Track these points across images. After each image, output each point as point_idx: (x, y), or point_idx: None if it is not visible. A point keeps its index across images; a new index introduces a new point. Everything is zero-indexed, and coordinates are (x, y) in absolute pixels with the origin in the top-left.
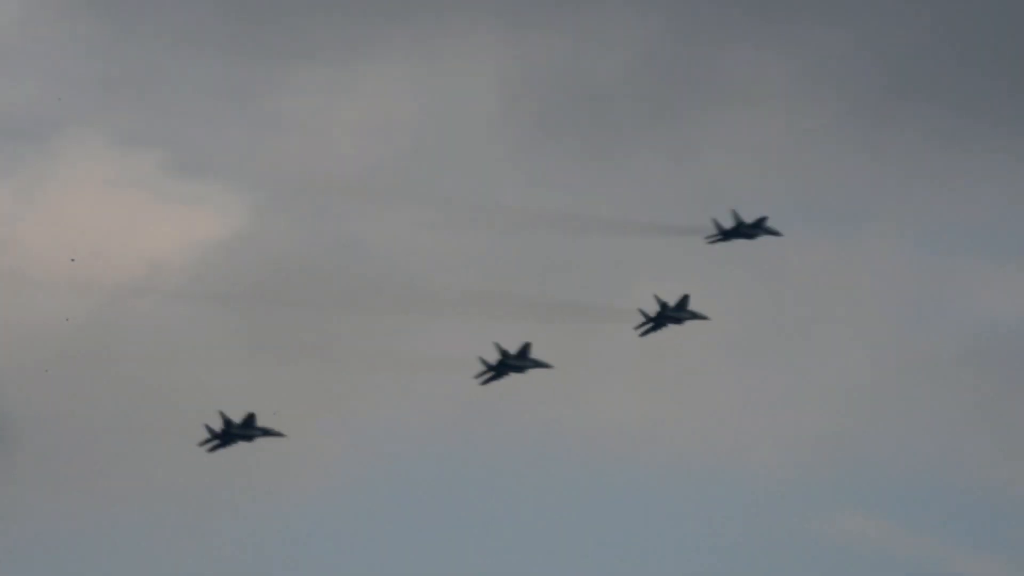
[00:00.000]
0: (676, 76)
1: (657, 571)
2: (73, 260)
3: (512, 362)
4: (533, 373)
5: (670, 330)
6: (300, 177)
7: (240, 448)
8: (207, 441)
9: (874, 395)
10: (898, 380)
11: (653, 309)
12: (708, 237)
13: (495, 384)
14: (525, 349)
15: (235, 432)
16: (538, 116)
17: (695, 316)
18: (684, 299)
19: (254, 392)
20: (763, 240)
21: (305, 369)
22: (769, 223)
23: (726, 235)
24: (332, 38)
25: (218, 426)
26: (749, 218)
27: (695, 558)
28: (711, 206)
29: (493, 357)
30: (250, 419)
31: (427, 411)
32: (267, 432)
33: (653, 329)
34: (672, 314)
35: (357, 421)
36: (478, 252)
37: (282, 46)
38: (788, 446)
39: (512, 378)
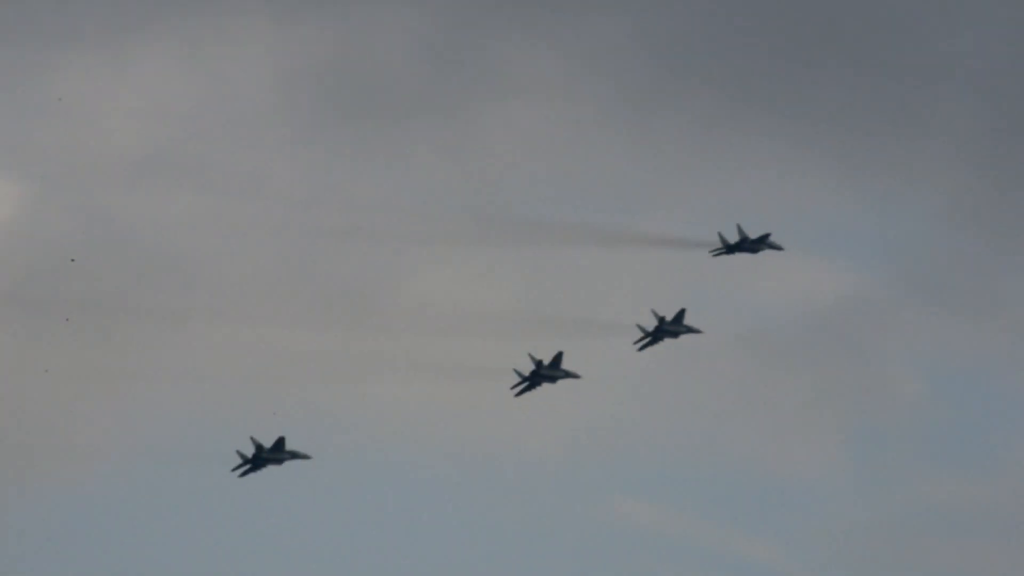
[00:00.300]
0: (452, 66)
1: (439, 559)
2: None
3: (545, 372)
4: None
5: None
6: (72, 163)
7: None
8: (239, 466)
9: (647, 381)
10: (671, 366)
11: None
12: (713, 250)
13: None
14: (558, 359)
15: (265, 456)
16: (315, 104)
17: (690, 330)
18: (680, 313)
19: (23, 386)
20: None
21: (77, 361)
22: (772, 238)
23: (730, 249)
24: (103, 22)
25: (249, 451)
26: (754, 233)
27: (474, 546)
28: (489, 197)
29: (527, 368)
30: (279, 443)
31: (217, 410)
32: (295, 455)
33: (651, 343)
34: (669, 328)
35: (133, 416)
36: (258, 243)
37: (52, 30)
38: (564, 432)
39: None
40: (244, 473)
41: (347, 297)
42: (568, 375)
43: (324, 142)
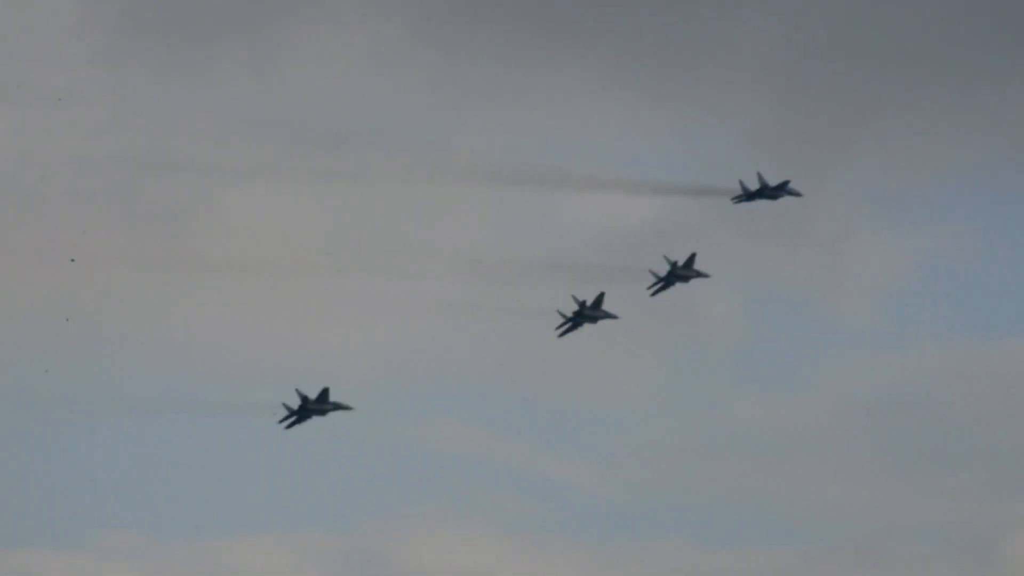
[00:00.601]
0: None
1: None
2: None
3: (588, 312)
4: None
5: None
6: None
7: None
8: (285, 418)
9: (458, 306)
10: (481, 290)
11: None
12: (734, 198)
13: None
14: (599, 300)
15: (311, 408)
16: (118, 22)
17: (700, 275)
18: (691, 257)
19: None
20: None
21: None
22: (791, 186)
23: (750, 196)
24: None
25: (295, 403)
26: (773, 181)
27: (288, 470)
28: (295, 116)
29: (570, 308)
30: (324, 394)
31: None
32: (338, 406)
33: (663, 288)
34: (681, 273)
35: None
36: (61, 164)
37: None
38: (381, 356)
39: None
40: (291, 425)
41: (155, 224)
42: (608, 316)
43: (127, 61)
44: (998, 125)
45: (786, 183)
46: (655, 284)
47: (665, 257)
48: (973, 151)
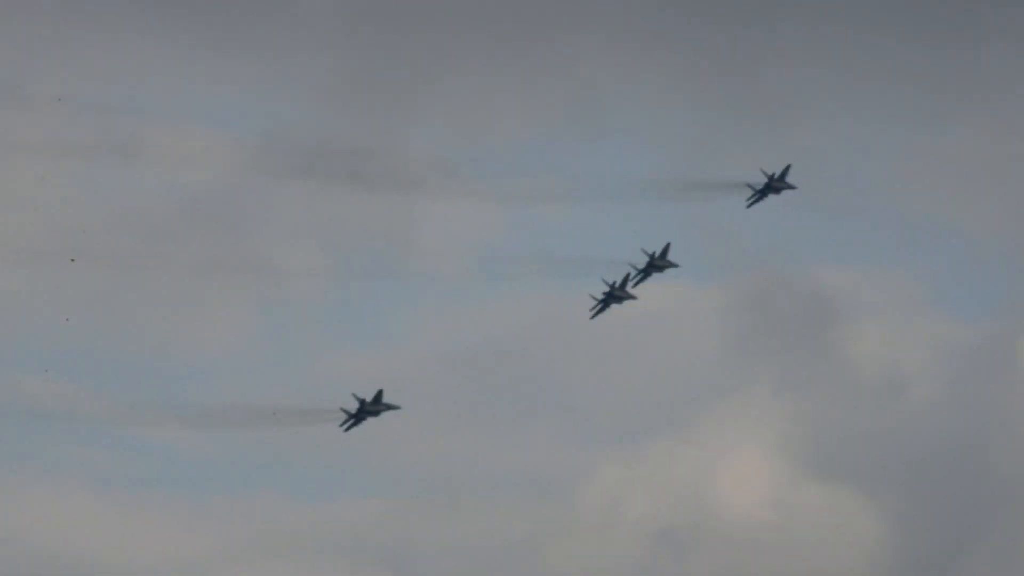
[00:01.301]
0: None
1: None
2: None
3: (616, 293)
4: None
5: None
6: None
7: None
8: (345, 422)
9: (39, 263)
10: (62, 246)
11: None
12: (748, 200)
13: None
14: (625, 280)
15: (367, 410)
16: None
17: (669, 264)
18: (666, 248)
19: None
20: None
21: None
22: (787, 179)
23: (762, 194)
24: None
25: (352, 407)
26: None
27: None
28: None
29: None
30: (378, 396)
31: None
32: (389, 407)
33: (643, 279)
34: (657, 263)
35: None
36: None
37: None
38: None
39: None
40: (349, 428)
41: None
42: (629, 296)
43: None
44: (561, 80)
45: (785, 172)
46: (636, 275)
47: (642, 250)
48: (539, 107)
